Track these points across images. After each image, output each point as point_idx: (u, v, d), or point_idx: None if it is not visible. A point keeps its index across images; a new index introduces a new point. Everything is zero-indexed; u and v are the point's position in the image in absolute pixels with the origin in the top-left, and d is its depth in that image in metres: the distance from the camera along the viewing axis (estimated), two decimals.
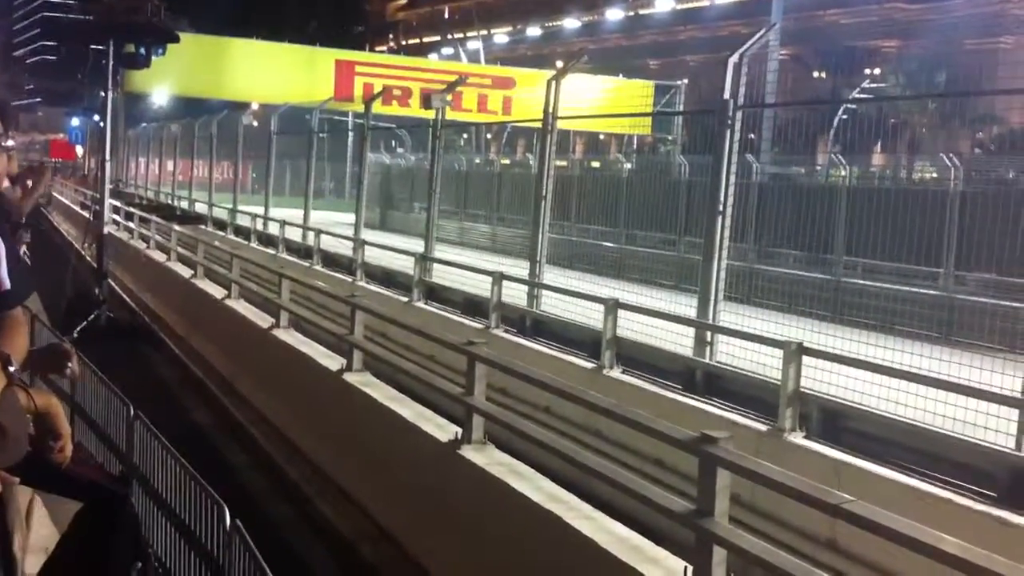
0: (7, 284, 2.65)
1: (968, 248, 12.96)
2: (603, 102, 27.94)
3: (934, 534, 4.48)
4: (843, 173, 16.68)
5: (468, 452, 7.77)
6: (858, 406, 7.93)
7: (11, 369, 2.60)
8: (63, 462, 3.31)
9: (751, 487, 6.41)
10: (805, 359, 8.03)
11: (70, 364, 3.34)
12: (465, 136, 40.65)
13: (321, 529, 9.18)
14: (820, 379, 8.14)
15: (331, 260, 19.08)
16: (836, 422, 8.13)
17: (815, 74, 42.91)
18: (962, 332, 11.38)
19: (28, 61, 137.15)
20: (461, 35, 67.94)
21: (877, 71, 39.85)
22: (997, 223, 12.06)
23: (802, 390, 8.00)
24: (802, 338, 8.50)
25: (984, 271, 12.97)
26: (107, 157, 19.12)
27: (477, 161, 33.99)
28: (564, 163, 23.10)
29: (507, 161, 33.21)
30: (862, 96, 22.51)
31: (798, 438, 7.84)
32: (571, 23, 63.55)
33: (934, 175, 17.96)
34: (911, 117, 29.87)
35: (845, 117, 18.53)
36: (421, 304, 14.65)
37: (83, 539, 3.48)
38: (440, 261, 15.54)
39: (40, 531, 5.45)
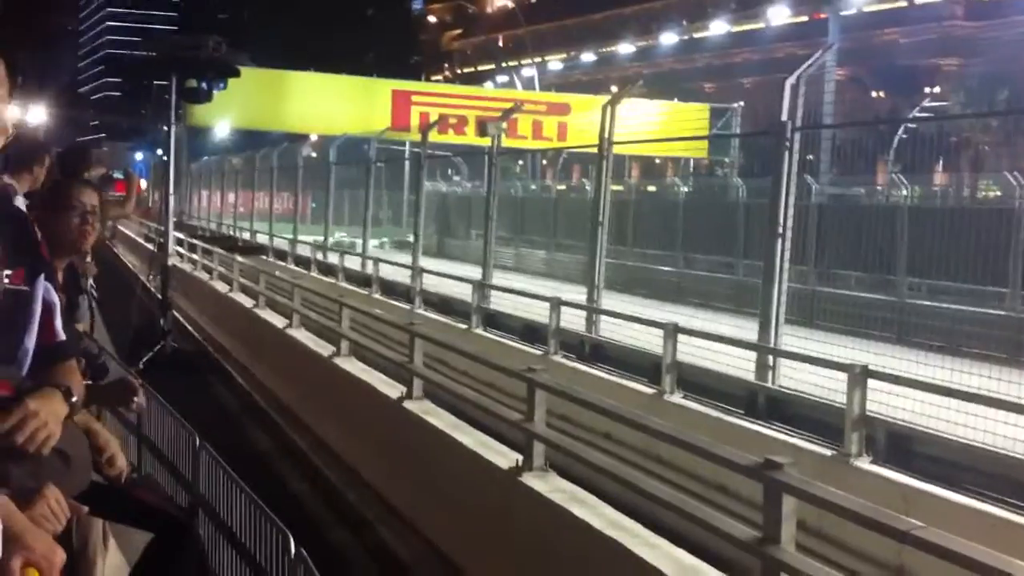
0: (62, 335, 2.71)
1: None
2: (658, 126, 27.89)
3: (1007, 560, 4.38)
4: (904, 192, 16.48)
5: (529, 479, 7.74)
6: (926, 430, 7.80)
7: (73, 400, 2.64)
8: (119, 474, 3.38)
9: (818, 513, 6.31)
10: (870, 382, 7.91)
11: (136, 399, 3.41)
12: (520, 163, 40.80)
13: (382, 555, 9.21)
14: (886, 403, 8.02)
15: (390, 288, 19.22)
16: (903, 446, 8.00)
17: (873, 94, 42.46)
18: None
19: (92, 98, 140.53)
20: (515, 63, 68.32)
21: (937, 89, 39.38)
22: None
23: (868, 414, 7.89)
24: (866, 361, 8.39)
25: None
26: (171, 190, 19.47)
27: (533, 187, 34.06)
28: (620, 187, 23.08)
29: (563, 187, 33.24)
30: (922, 115, 22.23)
31: (864, 463, 7.72)
32: (625, 48, 63.59)
33: (998, 193, 17.66)
34: (973, 135, 29.40)
35: (905, 136, 18.30)
36: (480, 331, 14.69)
37: (152, 570, 3.53)
38: (498, 288, 15.58)
39: (111, 561, 5.53)
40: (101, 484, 3.33)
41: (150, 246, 27.18)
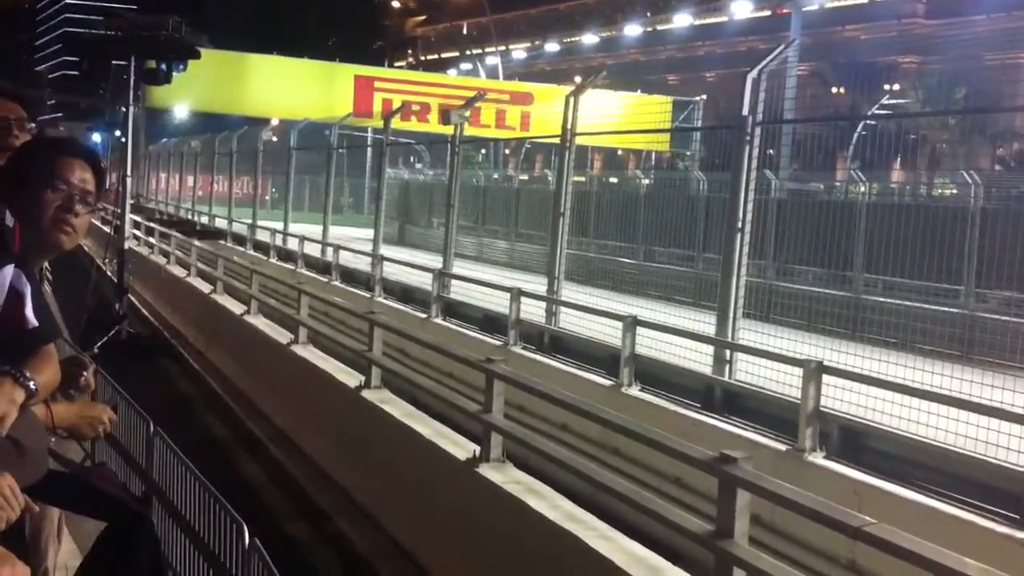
0: (33, 322, 2.68)
1: (989, 265, 12.89)
2: (621, 118, 27.92)
3: (956, 557, 4.45)
4: (862, 189, 16.63)
5: (486, 470, 7.76)
6: (879, 426, 7.89)
7: (30, 384, 2.61)
8: (108, 424, 3.37)
9: (771, 507, 6.38)
10: (825, 378, 7.99)
11: (85, 373, 3.36)
12: (483, 151, 40.74)
13: (339, 546, 9.18)
14: (840, 398, 8.10)
15: (349, 276, 19.14)
16: (857, 442, 8.09)
17: (834, 89, 42.82)
18: (983, 350, 11.31)
19: (50, 76, 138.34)
20: (479, 50, 68.13)
21: (896, 87, 39.73)
22: (1018, 240, 11.99)
23: (822, 409, 7.96)
24: (821, 356, 8.48)
25: (1005, 288, 12.89)
26: (128, 172, 19.23)
27: (495, 176, 34.03)
28: (582, 179, 23.10)
29: (525, 177, 33.22)
30: (881, 112, 22.42)
31: (818, 458, 7.80)
32: (589, 39, 63.66)
33: (954, 191, 17.89)
34: (931, 133, 29.76)
35: (864, 133, 18.46)
36: (439, 320, 14.67)
37: (105, 561, 3.49)
38: (458, 277, 15.55)
39: (63, 548, 5.47)
40: (55, 472, 3.29)
41: (107, 229, 26.84)
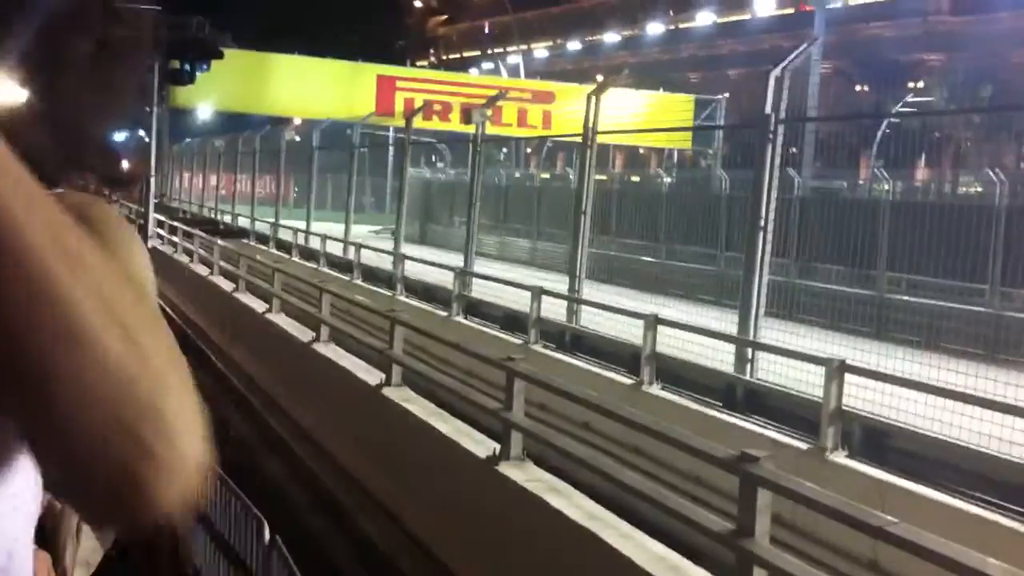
0: None
1: (1014, 264, 12.78)
2: (643, 116, 27.87)
3: (979, 557, 4.41)
4: (886, 187, 16.53)
5: (506, 468, 7.75)
6: (902, 425, 7.83)
7: None
8: None
9: (792, 506, 6.34)
10: (848, 377, 7.94)
11: None
12: (505, 150, 40.72)
13: (359, 543, 9.20)
14: (863, 397, 8.05)
15: (371, 274, 19.18)
16: (879, 441, 8.04)
17: (857, 87, 42.56)
18: (1008, 350, 11.21)
19: None
20: (501, 50, 68.18)
21: (920, 84, 39.46)
22: None
23: (844, 408, 7.92)
24: (844, 355, 8.43)
25: None
26: (152, 172, 19.37)
27: (517, 175, 34.01)
28: (604, 177, 23.07)
29: (547, 175, 33.19)
30: (905, 110, 22.29)
31: (840, 457, 7.75)
32: (611, 37, 63.50)
33: (979, 190, 17.75)
34: (955, 131, 29.52)
35: (888, 131, 18.35)
36: (460, 319, 14.67)
37: (126, 556, 3.51)
38: (479, 276, 15.55)
39: (84, 543, 5.50)
40: None
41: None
